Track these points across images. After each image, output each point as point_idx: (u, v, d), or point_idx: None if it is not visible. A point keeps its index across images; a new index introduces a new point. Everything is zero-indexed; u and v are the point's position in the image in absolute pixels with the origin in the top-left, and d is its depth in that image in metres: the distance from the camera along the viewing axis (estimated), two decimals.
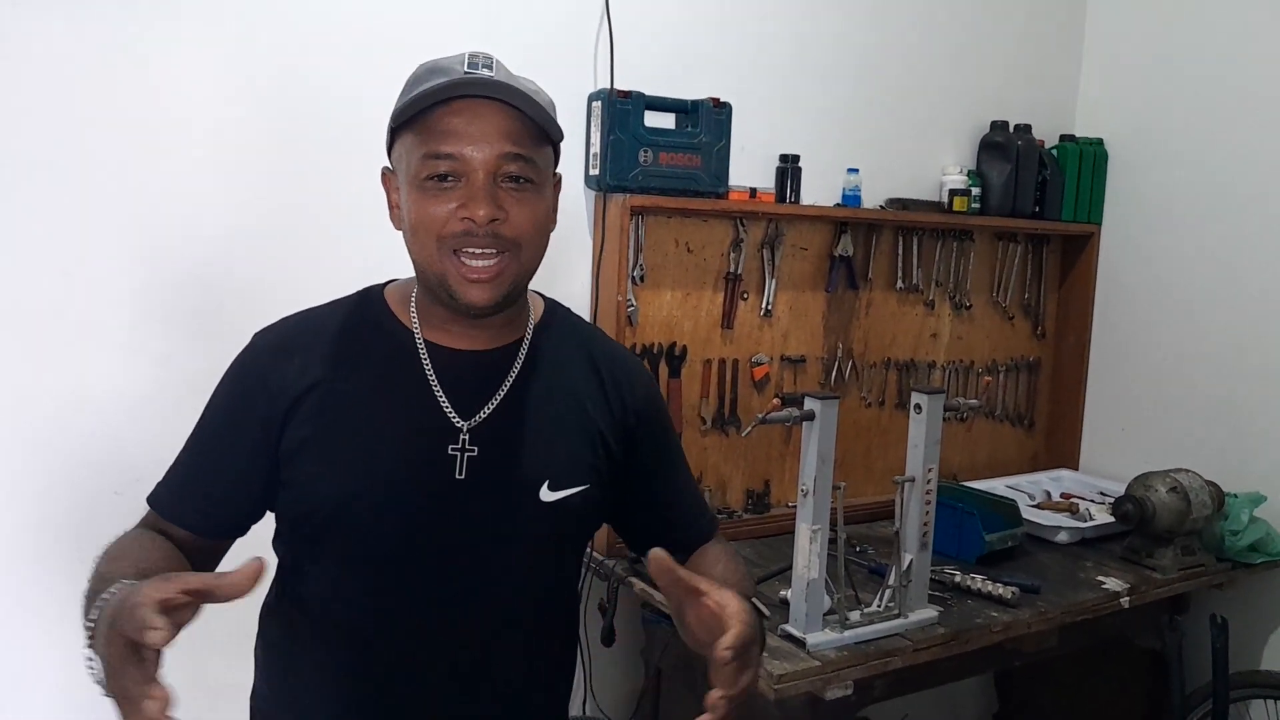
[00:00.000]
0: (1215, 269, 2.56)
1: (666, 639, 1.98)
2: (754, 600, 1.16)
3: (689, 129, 2.15)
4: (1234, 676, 2.28)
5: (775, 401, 1.75)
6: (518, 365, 1.20)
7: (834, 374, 2.51)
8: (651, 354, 2.23)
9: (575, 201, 2.15)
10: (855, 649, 1.73)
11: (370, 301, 1.22)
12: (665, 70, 2.18)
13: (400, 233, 1.15)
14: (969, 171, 2.64)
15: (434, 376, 1.16)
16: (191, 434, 1.21)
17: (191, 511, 1.18)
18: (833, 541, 1.74)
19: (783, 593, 1.87)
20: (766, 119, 2.34)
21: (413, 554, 1.13)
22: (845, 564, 1.77)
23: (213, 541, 1.20)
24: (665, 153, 2.11)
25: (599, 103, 2.07)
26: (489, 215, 1.07)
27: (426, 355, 1.17)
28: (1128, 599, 2.09)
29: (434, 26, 1.94)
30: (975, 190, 2.60)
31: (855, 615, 1.77)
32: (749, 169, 2.29)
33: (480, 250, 1.09)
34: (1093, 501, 2.59)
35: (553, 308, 1.31)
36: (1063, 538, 2.36)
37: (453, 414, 1.15)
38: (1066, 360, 2.90)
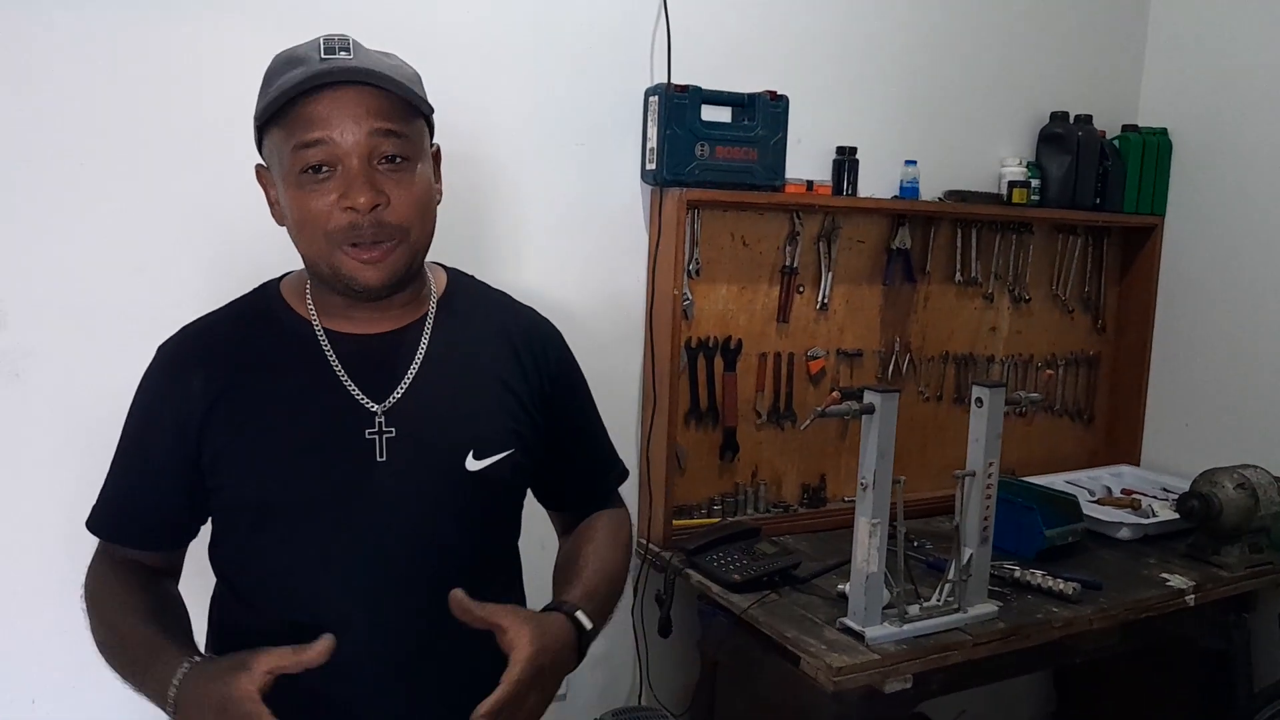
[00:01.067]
0: None
1: (723, 631, 1.98)
2: (577, 614, 1.16)
3: (745, 122, 2.15)
4: None
5: (834, 395, 1.75)
6: (425, 341, 1.20)
7: (891, 368, 2.49)
8: (707, 348, 2.24)
9: (632, 195, 2.16)
10: (914, 643, 1.73)
11: (266, 298, 1.23)
12: (722, 64, 2.18)
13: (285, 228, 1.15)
14: (1028, 163, 2.60)
15: (339, 365, 1.16)
16: (115, 453, 1.23)
17: (133, 531, 1.22)
18: (891, 536, 1.73)
19: (841, 586, 1.87)
20: (823, 111, 2.33)
21: (346, 543, 1.14)
22: (904, 558, 1.76)
23: (164, 554, 1.24)
24: (722, 146, 2.11)
25: (656, 97, 2.07)
26: (370, 201, 1.07)
27: (329, 344, 1.17)
28: (1193, 597, 2.05)
29: (490, 25, 1.96)
30: (1035, 182, 2.57)
31: (914, 609, 1.77)
32: (805, 162, 2.29)
33: (369, 242, 1.10)
34: (1155, 498, 2.54)
35: (455, 278, 1.31)
36: (1124, 534, 2.32)
37: (364, 399, 1.15)
38: (1127, 354, 2.85)
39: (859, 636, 1.72)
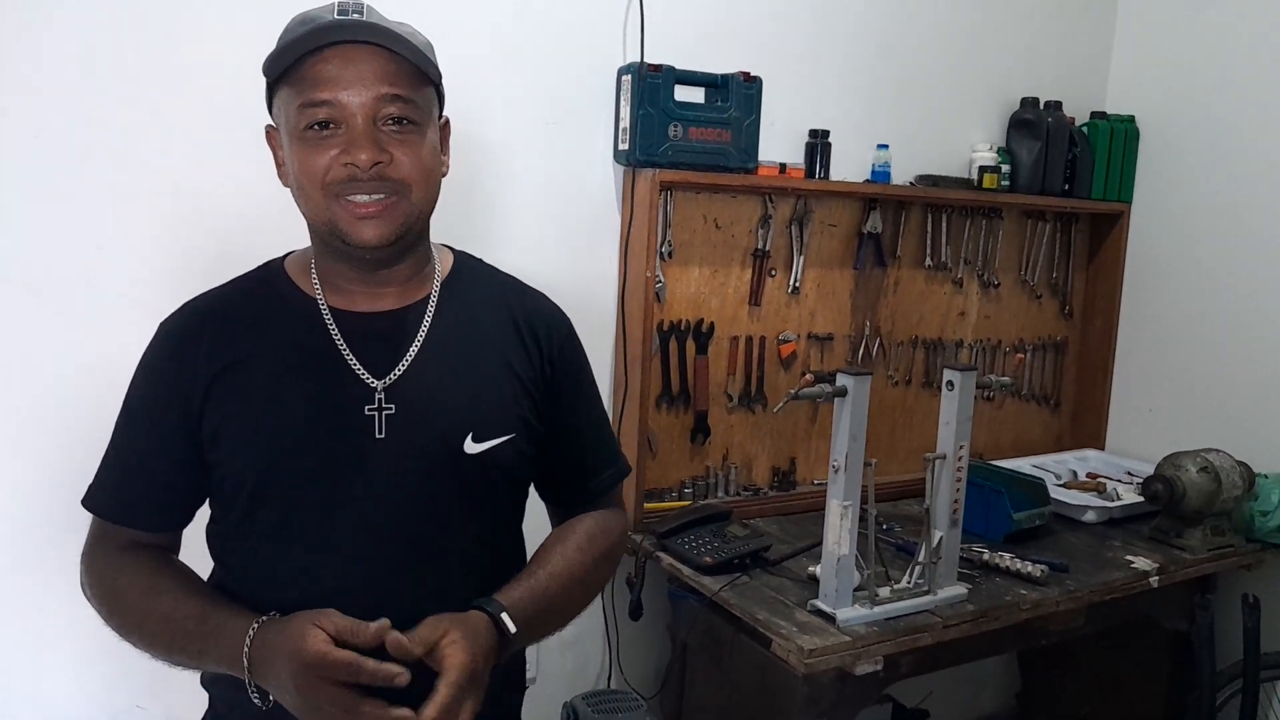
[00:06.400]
0: (1246, 248, 2.53)
1: (693, 614, 1.98)
2: (502, 616, 1.12)
3: (719, 104, 2.13)
4: (1264, 657, 2.27)
5: (807, 378, 1.75)
6: (427, 320, 1.19)
7: (861, 352, 2.50)
8: (679, 330, 2.23)
9: (604, 176, 2.14)
10: (885, 625, 1.73)
11: (271, 275, 1.22)
12: (695, 44, 2.16)
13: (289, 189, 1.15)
14: (999, 149, 2.61)
15: (341, 340, 1.15)
16: (114, 432, 1.20)
17: (135, 511, 1.19)
18: (861, 519, 1.73)
19: (811, 569, 1.87)
20: (796, 94, 2.32)
21: (342, 518, 1.13)
22: (875, 541, 1.76)
23: (166, 535, 1.22)
24: (695, 127, 2.09)
25: (629, 76, 2.05)
26: (371, 159, 1.07)
27: (332, 320, 1.16)
28: (1156, 578, 2.08)
29: (463, 1, 1.93)
30: (1005, 168, 2.58)
31: (885, 591, 1.77)
32: (778, 144, 2.28)
33: (368, 194, 1.09)
34: (1120, 481, 2.58)
35: (463, 260, 1.29)
36: (1090, 517, 2.35)
37: (365, 375, 1.14)
38: (1094, 340, 2.88)
39: (830, 619, 1.72)
